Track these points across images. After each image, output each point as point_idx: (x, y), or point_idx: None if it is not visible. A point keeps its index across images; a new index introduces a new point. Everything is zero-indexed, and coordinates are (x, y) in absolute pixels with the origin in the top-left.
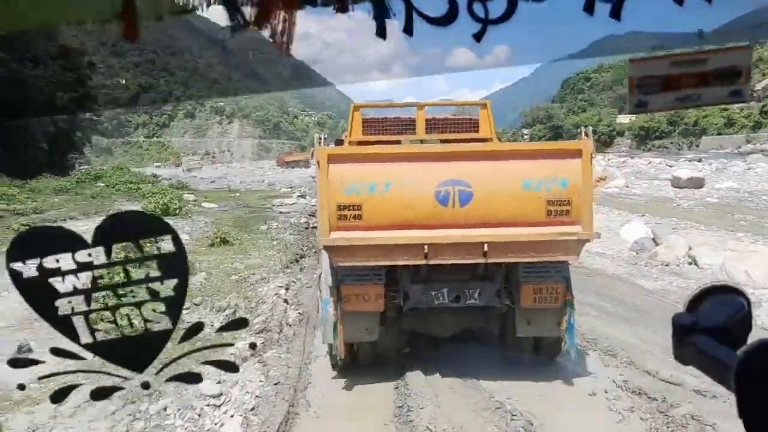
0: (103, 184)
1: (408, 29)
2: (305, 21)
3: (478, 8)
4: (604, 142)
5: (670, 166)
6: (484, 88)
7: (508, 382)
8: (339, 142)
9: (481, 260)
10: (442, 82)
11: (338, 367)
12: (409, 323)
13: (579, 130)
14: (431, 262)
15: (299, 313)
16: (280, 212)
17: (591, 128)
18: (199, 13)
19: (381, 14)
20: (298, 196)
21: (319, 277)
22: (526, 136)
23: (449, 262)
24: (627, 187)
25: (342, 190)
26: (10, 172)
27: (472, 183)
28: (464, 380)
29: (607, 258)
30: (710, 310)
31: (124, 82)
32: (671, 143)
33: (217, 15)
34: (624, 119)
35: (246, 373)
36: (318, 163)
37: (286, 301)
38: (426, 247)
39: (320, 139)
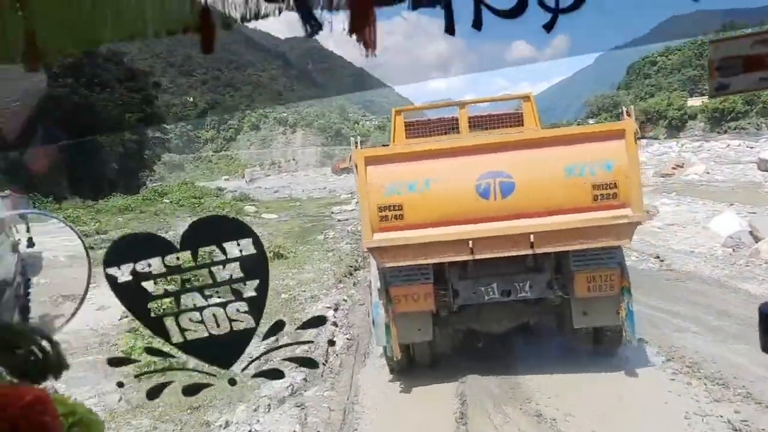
0: (168, 201)
1: (477, 24)
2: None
3: None
4: (676, 127)
5: (751, 148)
6: (545, 80)
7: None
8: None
9: (529, 251)
10: (502, 78)
11: (396, 369)
12: (462, 321)
13: (621, 112)
14: (477, 256)
15: (348, 338)
16: (338, 220)
17: (633, 107)
18: (270, 20)
19: (450, 9)
20: (356, 202)
21: (369, 282)
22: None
23: (495, 255)
24: (708, 173)
25: (382, 191)
26: (83, 194)
27: (512, 173)
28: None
29: (698, 257)
30: None
31: (192, 99)
32: (748, 124)
33: (277, 28)
34: (695, 102)
35: (277, 421)
36: (356, 166)
37: (335, 323)
38: (470, 242)
39: (356, 143)
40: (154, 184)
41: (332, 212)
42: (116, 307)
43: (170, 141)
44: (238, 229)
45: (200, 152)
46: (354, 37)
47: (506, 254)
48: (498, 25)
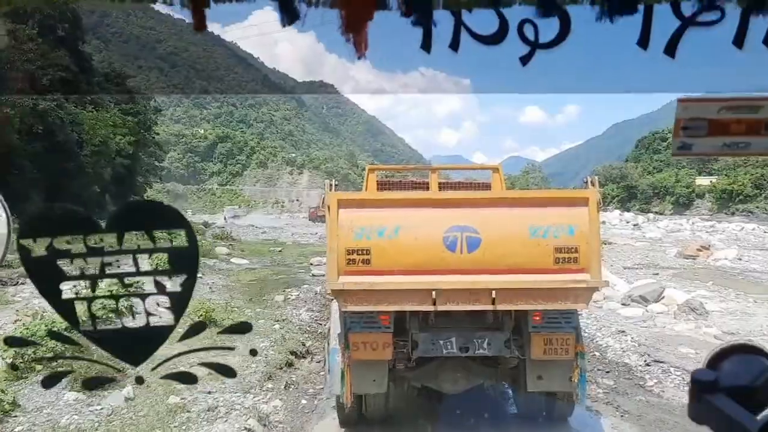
0: None
1: (454, 45)
2: (377, 77)
3: (528, 30)
4: (683, 204)
5: (766, 233)
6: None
7: None
8: None
9: (490, 307)
10: (511, 139)
11: (345, 422)
12: (418, 377)
13: (585, 181)
14: (439, 308)
15: None
16: (313, 275)
17: (597, 177)
18: (289, 61)
19: (427, 23)
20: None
21: (328, 328)
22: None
23: (457, 308)
24: (740, 259)
25: (351, 234)
26: None
27: (479, 229)
28: None
29: None
30: (732, 369)
31: (203, 131)
32: (757, 207)
33: (295, 69)
34: (704, 181)
35: None
36: (328, 208)
37: None
38: (434, 292)
39: (331, 185)
40: None
41: (311, 263)
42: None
43: (166, 169)
44: (171, 219)
45: (205, 184)
46: (347, 38)
47: (468, 308)
48: (514, 86)
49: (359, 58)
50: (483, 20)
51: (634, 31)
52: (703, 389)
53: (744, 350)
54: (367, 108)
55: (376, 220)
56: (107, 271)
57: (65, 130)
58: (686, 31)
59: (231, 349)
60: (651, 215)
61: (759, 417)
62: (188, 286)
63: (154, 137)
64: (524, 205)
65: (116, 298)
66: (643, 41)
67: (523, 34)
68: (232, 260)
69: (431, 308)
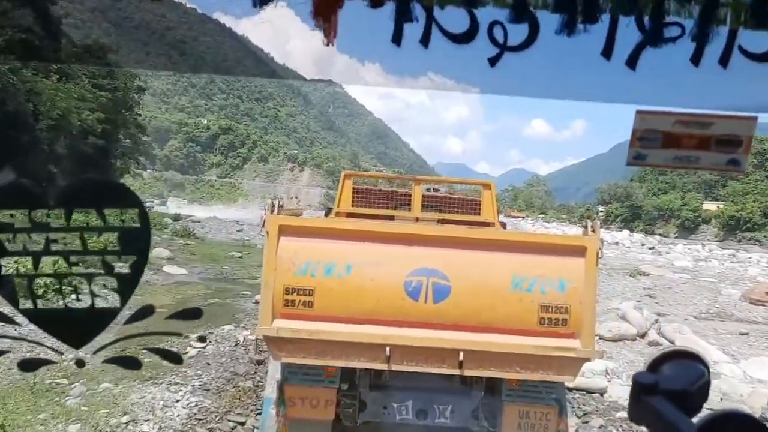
0: None
1: (425, 41)
2: (386, 79)
3: (498, 32)
4: (688, 228)
5: None
6: (558, 160)
7: None
8: (328, 212)
9: (455, 371)
10: (516, 152)
11: None
12: None
13: (585, 226)
14: (393, 367)
15: None
16: (257, 301)
17: (598, 221)
18: (299, 59)
19: (401, 18)
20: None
21: (266, 371)
22: (601, 213)
23: (415, 369)
24: None
25: (292, 269)
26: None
27: (450, 275)
28: None
29: None
30: (671, 373)
31: (206, 122)
32: (765, 237)
33: (304, 67)
34: (711, 206)
35: None
36: (267, 234)
37: None
38: (388, 348)
39: (274, 204)
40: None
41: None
42: None
43: (146, 154)
44: (123, 197)
45: (204, 175)
46: (316, 22)
47: (429, 370)
48: (518, 101)
49: (327, 45)
50: (455, 19)
51: (599, 41)
52: (643, 391)
53: (683, 356)
54: (374, 110)
55: (325, 254)
56: (52, 249)
57: (18, 99)
58: (647, 45)
59: (179, 334)
60: (657, 237)
61: (694, 420)
62: (138, 268)
63: (136, 118)
64: (509, 250)
65: (60, 276)
66: (607, 52)
67: (492, 35)
68: (165, 269)
69: (383, 367)
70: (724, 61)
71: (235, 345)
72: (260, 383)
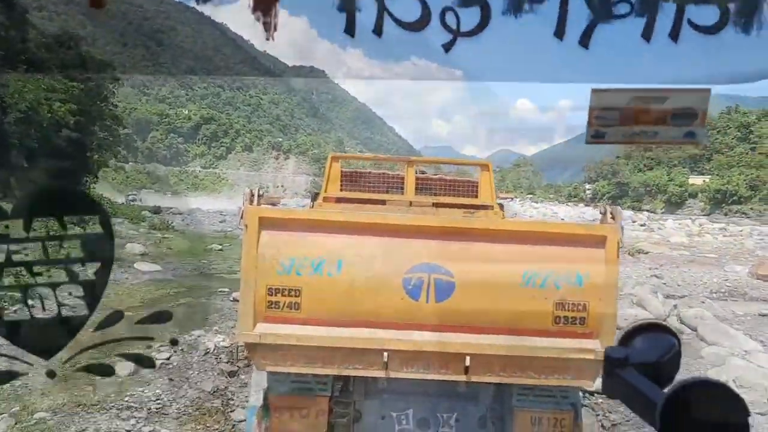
0: None
1: (377, 30)
2: (370, 65)
3: (450, 18)
4: (675, 203)
5: None
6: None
7: None
8: (315, 197)
9: (461, 377)
10: (502, 134)
11: None
12: None
13: (603, 212)
14: (392, 374)
15: None
16: (235, 299)
17: (619, 207)
18: (281, 45)
19: (350, 7)
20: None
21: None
22: (588, 191)
23: (416, 376)
24: None
25: (276, 267)
26: None
27: (454, 270)
28: None
29: None
30: (642, 347)
31: (187, 112)
32: (751, 209)
33: (286, 54)
34: (697, 180)
35: None
36: (246, 227)
37: None
38: (386, 354)
39: (253, 194)
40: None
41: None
42: None
43: (163, 150)
44: (83, 204)
45: (187, 166)
46: (255, 17)
47: (431, 377)
48: (504, 82)
49: (267, 39)
50: (406, 7)
51: (550, 22)
52: (615, 364)
53: (653, 329)
54: (357, 95)
55: (312, 249)
56: (13, 259)
57: None
58: (598, 23)
59: (151, 339)
60: (646, 214)
61: (664, 390)
62: (103, 275)
63: (111, 109)
64: (520, 241)
65: (24, 288)
66: (559, 32)
67: (445, 21)
68: (136, 265)
69: (381, 374)
70: (674, 35)
71: (205, 354)
72: (231, 401)
